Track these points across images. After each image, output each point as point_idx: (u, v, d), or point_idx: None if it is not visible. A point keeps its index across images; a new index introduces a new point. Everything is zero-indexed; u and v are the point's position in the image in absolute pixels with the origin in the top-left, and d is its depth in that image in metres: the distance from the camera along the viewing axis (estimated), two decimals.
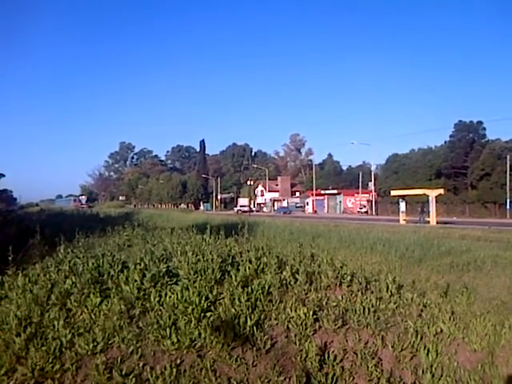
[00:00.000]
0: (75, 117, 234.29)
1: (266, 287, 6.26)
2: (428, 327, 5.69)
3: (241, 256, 7.60)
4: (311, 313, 5.63)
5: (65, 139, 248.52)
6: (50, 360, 4.66)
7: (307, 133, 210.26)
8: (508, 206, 58.17)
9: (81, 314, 5.55)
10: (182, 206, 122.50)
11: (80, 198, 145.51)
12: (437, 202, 40.59)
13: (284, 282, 6.57)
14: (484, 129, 74.08)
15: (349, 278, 6.97)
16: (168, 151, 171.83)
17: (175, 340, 4.98)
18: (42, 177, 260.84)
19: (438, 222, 36.62)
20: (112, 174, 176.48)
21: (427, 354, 5.11)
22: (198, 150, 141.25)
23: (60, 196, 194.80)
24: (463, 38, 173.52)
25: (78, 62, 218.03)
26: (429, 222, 37.26)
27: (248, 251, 7.88)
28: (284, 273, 6.83)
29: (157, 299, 5.74)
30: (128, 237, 11.32)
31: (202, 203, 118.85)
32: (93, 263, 6.65)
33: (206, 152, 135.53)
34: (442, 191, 42.06)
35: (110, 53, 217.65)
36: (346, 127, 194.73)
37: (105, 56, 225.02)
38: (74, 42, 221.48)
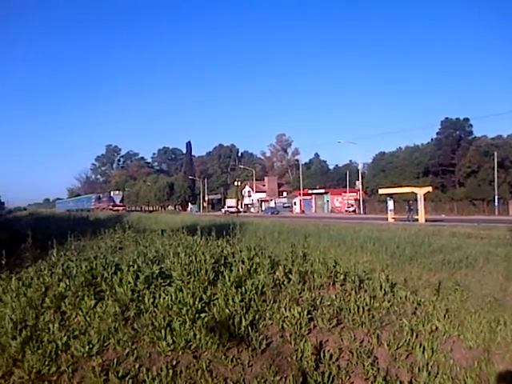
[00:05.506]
0: (62, 120, 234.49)
1: (260, 287, 6.26)
2: (423, 325, 5.70)
3: (233, 256, 7.57)
4: (305, 312, 5.63)
5: (51, 143, 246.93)
6: (47, 362, 4.67)
7: (293, 133, 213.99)
8: (496, 203, 58.44)
9: (75, 317, 5.53)
10: (170, 207, 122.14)
11: (112, 195, 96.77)
12: (425, 199, 40.88)
13: (277, 281, 6.56)
14: (471, 126, 74.43)
15: (342, 276, 6.96)
16: (154, 153, 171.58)
17: (170, 341, 4.97)
18: (28, 181, 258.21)
19: (426, 220, 36.87)
20: (99, 176, 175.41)
21: (423, 352, 5.12)
22: (184, 151, 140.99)
23: (47, 200, 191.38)
24: (449, 36, 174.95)
25: (66, 65, 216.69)
26: (417, 219, 37.47)
27: (240, 251, 7.87)
28: (277, 273, 6.82)
29: (151, 301, 5.71)
30: (119, 239, 11.30)
31: (189, 204, 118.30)
32: (86, 266, 6.58)
33: (193, 153, 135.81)
34: (430, 189, 42.40)
35: (99, 55, 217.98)
36: (333, 126, 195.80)
37: (93, 58, 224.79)
38: (61, 44, 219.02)
